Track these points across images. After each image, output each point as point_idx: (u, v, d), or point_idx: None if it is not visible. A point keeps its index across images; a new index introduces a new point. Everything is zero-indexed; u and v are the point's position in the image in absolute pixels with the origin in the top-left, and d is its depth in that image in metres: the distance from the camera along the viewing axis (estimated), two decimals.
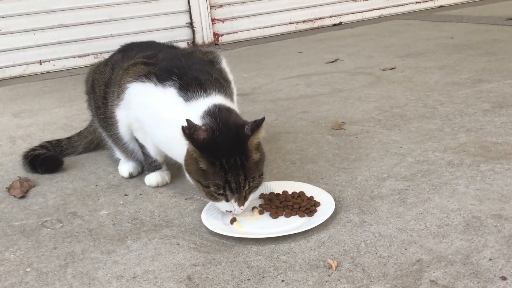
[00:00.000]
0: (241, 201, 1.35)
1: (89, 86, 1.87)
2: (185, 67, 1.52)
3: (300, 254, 1.24)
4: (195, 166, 1.36)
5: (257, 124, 1.33)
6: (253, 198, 1.41)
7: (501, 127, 1.87)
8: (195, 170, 1.36)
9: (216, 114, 1.38)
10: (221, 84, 1.52)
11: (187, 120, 1.34)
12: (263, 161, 1.41)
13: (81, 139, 2.05)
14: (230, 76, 1.65)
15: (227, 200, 1.35)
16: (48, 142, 2.02)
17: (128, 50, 1.81)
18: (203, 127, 1.34)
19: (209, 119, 1.37)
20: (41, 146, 1.99)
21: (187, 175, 1.43)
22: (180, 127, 1.30)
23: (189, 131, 1.31)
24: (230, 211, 1.37)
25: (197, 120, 1.38)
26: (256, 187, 1.38)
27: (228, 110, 1.42)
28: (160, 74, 1.50)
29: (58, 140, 2.04)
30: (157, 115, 1.49)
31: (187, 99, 1.44)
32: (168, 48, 1.79)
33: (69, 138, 2.06)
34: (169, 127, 1.44)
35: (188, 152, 1.37)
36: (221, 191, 1.33)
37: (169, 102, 1.46)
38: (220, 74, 1.59)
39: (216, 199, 1.36)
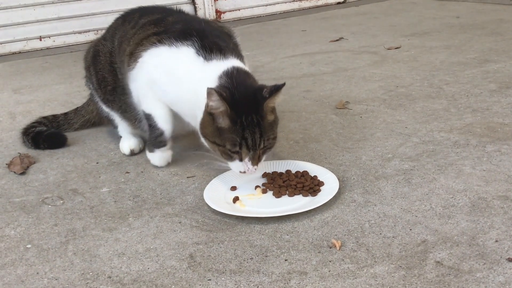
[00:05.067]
0: (255, 160, 1.38)
1: (89, 60, 1.84)
2: (205, 30, 1.56)
3: (304, 233, 1.22)
4: (211, 127, 1.39)
5: (277, 88, 1.37)
6: (264, 160, 1.43)
7: (508, 107, 1.84)
8: (211, 130, 1.39)
9: (234, 75, 1.41)
10: (239, 53, 1.56)
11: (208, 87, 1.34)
12: (277, 124, 1.44)
13: (77, 116, 2.03)
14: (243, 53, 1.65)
15: (241, 160, 1.38)
16: (44, 117, 2.00)
17: (129, 15, 1.79)
18: (223, 89, 1.37)
19: (226, 79, 1.40)
20: (38, 122, 1.97)
21: (201, 138, 1.46)
22: (206, 88, 1.33)
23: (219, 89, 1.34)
24: (244, 172, 1.39)
25: (214, 80, 1.41)
26: (270, 148, 1.41)
27: (246, 73, 1.46)
28: (178, 36, 1.52)
29: (54, 116, 2.03)
30: (173, 73, 1.51)
31: (206, 58, 1.47)
32: (178, 12, 1.75)
33: (65, 114, 2.04)
34: (184, 83, 1.48)
35: (204, 113, 1.40)
36: (237, 148, 1.36)
37: (187, 60, 1.49)
38: (236, 47, 1.62)
39: (230, 157, 1.39)
